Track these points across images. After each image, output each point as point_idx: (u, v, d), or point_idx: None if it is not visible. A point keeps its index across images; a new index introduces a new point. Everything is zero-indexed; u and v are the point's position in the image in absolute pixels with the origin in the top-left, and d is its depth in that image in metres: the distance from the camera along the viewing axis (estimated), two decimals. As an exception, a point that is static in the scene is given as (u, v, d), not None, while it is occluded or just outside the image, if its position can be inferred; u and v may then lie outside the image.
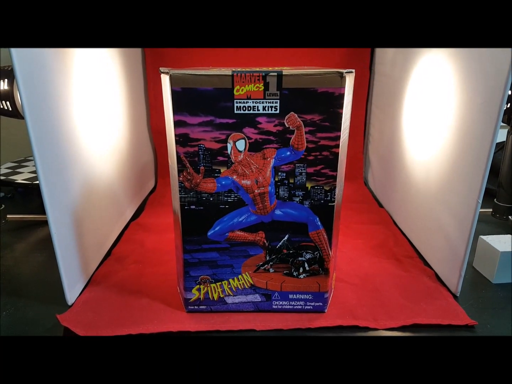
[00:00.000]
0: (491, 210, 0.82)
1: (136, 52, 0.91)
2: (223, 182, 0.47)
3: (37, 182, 0.85)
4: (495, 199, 0.80)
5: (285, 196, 0.47)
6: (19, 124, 1.03)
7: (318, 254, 0.50)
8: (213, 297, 0.52)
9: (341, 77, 0.42)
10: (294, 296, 0.51)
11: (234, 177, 0.46)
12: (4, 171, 0.92)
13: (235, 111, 0.44)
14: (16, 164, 0.98)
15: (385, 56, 0.89)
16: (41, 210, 0.88)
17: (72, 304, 0.54)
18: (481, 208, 0.51)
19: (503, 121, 0.50)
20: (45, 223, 0.81)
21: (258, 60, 0.95)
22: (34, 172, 0.92)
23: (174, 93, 0.42)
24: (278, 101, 0.43)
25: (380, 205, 0.89)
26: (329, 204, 0.47)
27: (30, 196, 0.96)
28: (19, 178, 0.88)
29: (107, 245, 0.69)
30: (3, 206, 0.78)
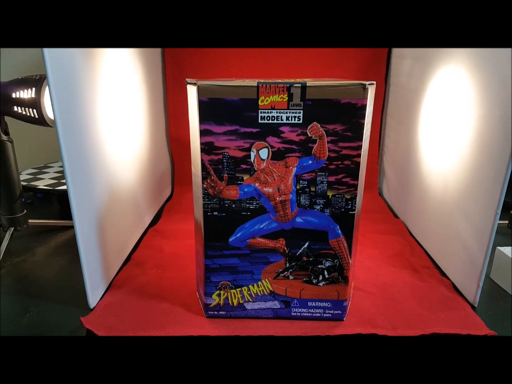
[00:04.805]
0: (507, 222, 0.81)
1: (157, 62, 0.93)
2: (246, 190, 0.48)
3: (58, 188, 0.88)
4: (511, 211, 0.80)
5: (306, 204, 0.48)
6: (41, 131, 1.06)
7: (337, 262, 0.50)
8: (233, 303, 0.52)
9: (364, 88, 0.43)
10: (313, 304, 0.52)
11: (257, 184, 0.47)
12: (25, 177, 0.95)
13: (259, 121, 0.45)
14: (38, 170, 1.00)
15: (401, 67, 0.89)
16: (61, 215, 0.90)
17: (94, 308, 0.55)
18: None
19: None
20: (65, 228, 0.82)
21: (278, 72, 0.97)
22: (55, 178, 0.94)
23: (201, 103, 0.44)
24: (302, 111, 0.44)
25: (395, 216, 0.89)
26: (350, 212, 0.48)
27: (49, 202, 0.98)
28: (41, 184, 0.90)
29: (127, 250, 0.70)
30: (25, 211, 0.80)
